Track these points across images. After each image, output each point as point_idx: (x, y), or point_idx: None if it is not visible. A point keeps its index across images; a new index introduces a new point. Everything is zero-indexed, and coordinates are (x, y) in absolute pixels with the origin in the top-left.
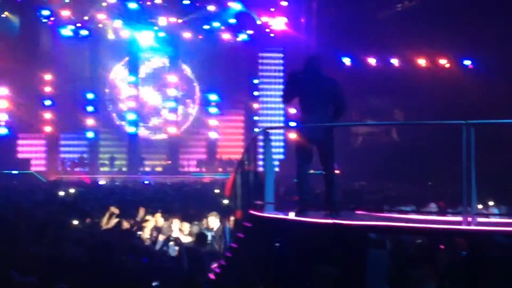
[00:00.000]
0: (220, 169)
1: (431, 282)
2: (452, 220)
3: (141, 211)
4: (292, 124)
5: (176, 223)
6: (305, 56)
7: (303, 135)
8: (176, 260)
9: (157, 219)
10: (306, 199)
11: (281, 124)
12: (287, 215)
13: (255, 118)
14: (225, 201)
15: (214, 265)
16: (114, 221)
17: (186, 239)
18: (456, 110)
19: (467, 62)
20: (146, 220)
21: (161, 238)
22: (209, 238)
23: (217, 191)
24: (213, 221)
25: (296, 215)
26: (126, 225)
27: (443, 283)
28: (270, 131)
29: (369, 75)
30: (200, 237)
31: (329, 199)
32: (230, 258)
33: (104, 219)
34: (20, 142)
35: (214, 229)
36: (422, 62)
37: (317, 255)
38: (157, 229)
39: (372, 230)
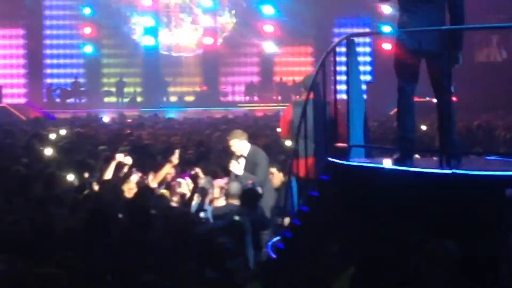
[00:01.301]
0: (279, 97)
1: None
2: None
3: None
4: (387, 28)
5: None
6: None
7: (405, 44)
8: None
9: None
10: (409, 139)
11: (368, 30)
12: (381, 163)
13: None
14: (289, 144)
15: (275, 238)
16: (125, 176)
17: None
18: None
19: None
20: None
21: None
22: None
23: (278, 130)
24: (238, 144)
25: (395, 163)
26: (139, 180)
27: None
28: (356, 39)
29: None
30: (247, 195)
31: (445, 138)
32: (299, 228)
33: (108, 172)
34: None
35: (243, 155)
36: None
37: (428, 222)
38: (202, 190)
39: (510, 183)
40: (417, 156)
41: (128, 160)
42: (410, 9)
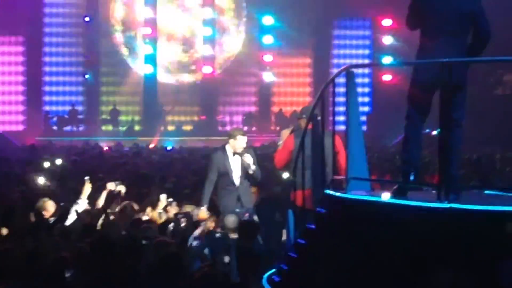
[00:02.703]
0: (278, 128)
1: None
2: None
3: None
4: (387, 60)
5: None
6: None
7: (422, 74)
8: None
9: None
10: (413, 165)
11: (367, 61)
12: (379, 196)
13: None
14: (286, 175)
15: (272, 270)
16: (117, 205)
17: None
18: None
19: None
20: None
21: (198, 231)
22: None
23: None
24: (243, 140)
25: (394, 196)
26: (136, 211)
27: None
28: (355, 70)
29: None
30: (246, 228)
31: (444, 171)
32: (295, 261)
33: (100, 201)
34: None
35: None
36: None
37: (426, 256)
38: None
39: (510, 218)
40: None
41: (121, 188)
42: (433, 37)
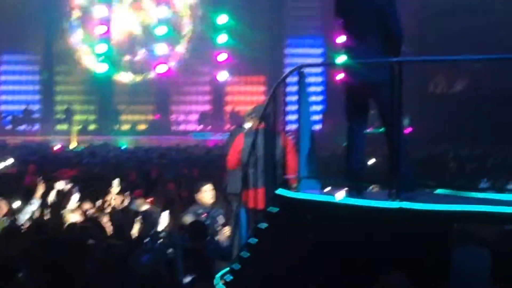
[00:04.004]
0: (232, 127)
1: None
2: None
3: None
4: (342, 59)
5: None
6: None
7: (350, 76)
8: (165, 265)
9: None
10: (358, 172)
11: (320, 60)
12: (333, 195)
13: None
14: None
15: (223, 271)
16: (73, 203)
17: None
18: None
19: None
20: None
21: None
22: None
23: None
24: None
25: (345, 196)
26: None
27: None
28: (306, 69)
29: None
30: (196, 227)
31: (394, 170)
32: (247, 260)
33: (49, 200)
34: None
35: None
36: None
37: (377, 256)
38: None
39: (460, 218)
40: (374, 187)
41: (72, 188)
42: (351, 39)
